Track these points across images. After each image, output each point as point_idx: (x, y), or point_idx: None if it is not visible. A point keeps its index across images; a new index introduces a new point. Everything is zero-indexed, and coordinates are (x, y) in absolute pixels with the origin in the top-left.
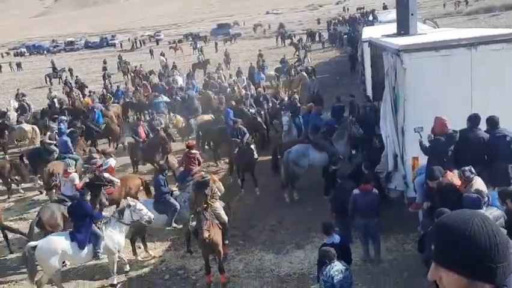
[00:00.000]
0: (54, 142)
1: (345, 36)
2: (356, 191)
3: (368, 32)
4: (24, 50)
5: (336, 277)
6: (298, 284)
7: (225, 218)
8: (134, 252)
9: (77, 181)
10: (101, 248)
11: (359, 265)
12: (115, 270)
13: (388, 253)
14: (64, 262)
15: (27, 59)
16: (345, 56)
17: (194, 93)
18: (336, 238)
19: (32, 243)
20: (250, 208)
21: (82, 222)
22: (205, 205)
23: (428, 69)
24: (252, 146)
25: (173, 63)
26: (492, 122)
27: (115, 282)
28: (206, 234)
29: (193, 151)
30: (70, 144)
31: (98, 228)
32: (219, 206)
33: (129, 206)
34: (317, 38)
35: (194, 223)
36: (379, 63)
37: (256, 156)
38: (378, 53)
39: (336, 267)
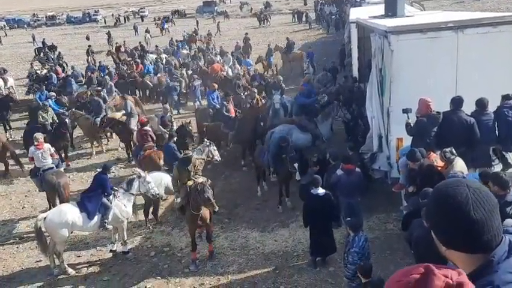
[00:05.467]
0: None
1: (333, 17)
2: (339, 171)
3: (355, 13)
4: (4, 23)
5: (365, 246)
6: (282, 261)
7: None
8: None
9: (52, 150)
10: (109, 218)
11: (341, 243)
12: (126, 236)
13: (370, 232)
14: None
15: (7, 32)
16: (331, 36)
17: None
18: (321, 191)
19: (42, 215)
20: (236, 187)
21: (93, 193)
22: (188, 181)
23: (414, 51)
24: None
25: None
26: (481, 103)
27: (114, 248)
28: (216, 207)
29: (146, 128)
30: None
31: (107, 199)
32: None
33: (139, 177)
34: (304, 19)
35: (179, 200)
36: (366, 44)
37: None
38: (366, 34)
39: (364, 237)
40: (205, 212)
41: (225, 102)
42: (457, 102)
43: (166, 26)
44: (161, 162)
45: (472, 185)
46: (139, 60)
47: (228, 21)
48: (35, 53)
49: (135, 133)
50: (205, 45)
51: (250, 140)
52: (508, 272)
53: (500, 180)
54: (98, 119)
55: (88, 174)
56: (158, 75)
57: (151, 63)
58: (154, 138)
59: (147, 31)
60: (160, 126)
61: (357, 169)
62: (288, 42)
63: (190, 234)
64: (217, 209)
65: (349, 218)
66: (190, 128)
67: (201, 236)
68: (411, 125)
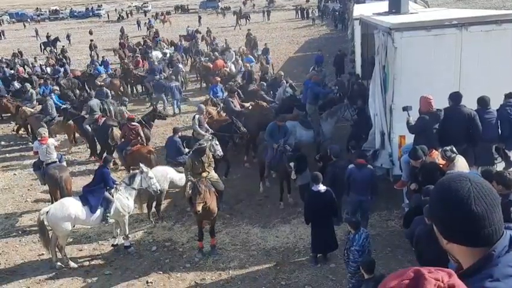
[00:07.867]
0: None
1: (336, 13)
2: (351, 166)
3: (359, 10)
4: (7, 17)
5: (366, 243)
6: (284, 257)
7: (222, 186)
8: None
9: (56, 143)
10: (111, 212)
11: (343, 240)
12: (127, 231)
13: (372, 229)
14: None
15: (11, 27)
16: (335, 33)
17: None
18: (322, 188)
19: (45, 209)
20: (238, 183)
21: (96, 187)
22: (203, 172)
23: (418, 49)
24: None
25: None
26: (483, 102)
27: (116, 242)
28: (198, 208)
29: (134, 123)
30: None
31: (109, 193)
32: (215, 174)
33: (141, 172)
34: (305, 15)
35: (190, 190)
36: (369, 41)
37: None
38: (369, 31)
39: (364, 235)
40: (212, 205)
41: (229, 99)
42: (455, 97)
43: (153, 23)
44: (152, 156)
45: (474, 179)
46: (139, 55)
47: (232, 17)
48: (40, 48)
49: (122, 128)
50: (209, 41)
51: (256, 136)
52: (508, 265)
53: (504, 179)
54: (47, 118)
55: (90, 168)
56: (148, 72)
57: (150, 58)
58: (142, 136)
59: (151, 26)
60: (197, 127)
61: (369, 166)
62: (253, 39)
63: (198, 224)
64: (197, 210)
65: (348, 215)
66: (240, 125)
67: (202, 231)
68: (412, 122)
